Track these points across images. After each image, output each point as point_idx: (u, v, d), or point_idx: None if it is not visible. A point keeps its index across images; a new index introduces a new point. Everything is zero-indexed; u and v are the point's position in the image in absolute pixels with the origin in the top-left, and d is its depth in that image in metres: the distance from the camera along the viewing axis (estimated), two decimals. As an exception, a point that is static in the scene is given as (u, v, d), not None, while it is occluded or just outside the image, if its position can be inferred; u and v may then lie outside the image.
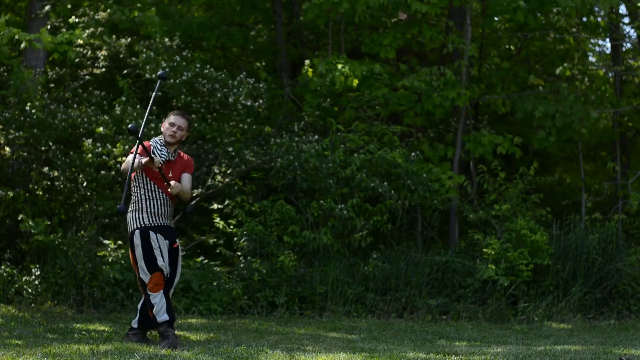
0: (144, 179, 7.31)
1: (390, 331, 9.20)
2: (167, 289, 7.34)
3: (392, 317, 10.66)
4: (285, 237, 11.16)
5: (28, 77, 10.99)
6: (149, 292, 7.19)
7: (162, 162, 7.26)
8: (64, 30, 11.13)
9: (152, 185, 7.30)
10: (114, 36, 12.50)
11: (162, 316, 7.20)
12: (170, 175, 7.33)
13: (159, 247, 7.26)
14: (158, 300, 7.19)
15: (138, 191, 7.33)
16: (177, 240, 7.50)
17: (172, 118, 7.45)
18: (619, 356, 7.16)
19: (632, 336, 9.22)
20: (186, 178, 7.45)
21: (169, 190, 7.28)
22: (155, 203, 7.30)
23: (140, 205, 7.31)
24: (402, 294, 10.92)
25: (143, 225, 7.26)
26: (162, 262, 7.22)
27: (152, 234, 7.25)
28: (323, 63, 12.30)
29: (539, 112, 12.73)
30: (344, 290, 10.80)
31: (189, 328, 8.83)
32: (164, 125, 7.44)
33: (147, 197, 7.31)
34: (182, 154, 7.54)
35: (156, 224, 7.29)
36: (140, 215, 7.29)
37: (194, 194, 11.67)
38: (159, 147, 7.36)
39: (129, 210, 7.34)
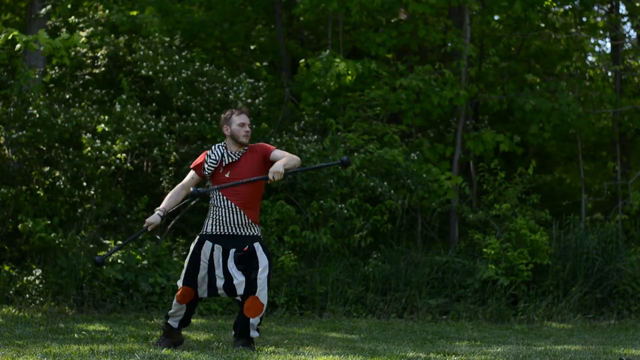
0: (216, 195, 7.05)
1: (390, 331, 9.20)
2: (247, 294, 6.94)
3: (392, 317, 10.66)
4: (285, 237, 11.16)
5: (31, 76, 11.00)
6: (175, 298, 7.06)
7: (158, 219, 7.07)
8: (63, 30, 11.14)
9: (218, 195, 7.01)
10: (112, 35, 12.51)
11: (173, 322, 7.11)
12: (227, 176, 7.00)
13: (209, 261, 6.98)
14: (177, 309, 7.05)
15: (210, 202, 7.12)
16: (255, 244, 6.96)
17: (239, 118, 7.07)
18: (619, 356, 7.16)
19: (632, 336, 9.22)
20: (277, 154, 6.96)
21: (273, 177, 6.80)
22: (221, 212, 7.00)
23: (209, 214, 7.11)
24: (402, 294, 10.92)
25: (203, 233, 7.07)
26: (201, 282, 6.99)
27: (207, 242, 7.01)
28: (317, 62, 12.33)
29: (530, 105, 12.75)
30: (344, 290, 10.80)
31: (189, 328, 8.83)
32: (229, 129, 7.08)
33: (214, 206, 7.06)
34: (253, 146, 7.16)
35: (217, 233, 7.01)
36: (206, 223, 7.10)
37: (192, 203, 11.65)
38: (216, 152, 7.10)
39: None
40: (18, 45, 9.74)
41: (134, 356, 6.31)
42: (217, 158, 7.06)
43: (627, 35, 14.80)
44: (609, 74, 14.55)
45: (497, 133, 13.02)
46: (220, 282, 6.97)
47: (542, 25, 13.89)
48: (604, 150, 15.98)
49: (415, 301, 10.87)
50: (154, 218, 7.12)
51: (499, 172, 12.16)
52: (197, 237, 7.12)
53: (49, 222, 10.38)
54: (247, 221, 7.00)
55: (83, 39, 12.34)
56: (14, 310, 9.49)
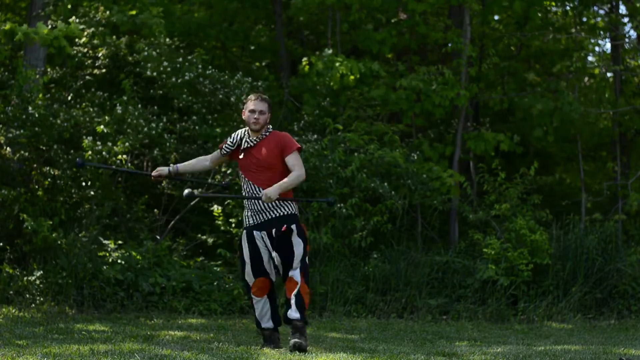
0: (240, 174, 7.24)
1: (390, 331, 9.20)
2: (285, 276, 7.13)
3: (392, 317, 10.66)
4: (286, 237, 11.15)
5: (31, 76, 11.00)
6: (253, 296, 7.18)
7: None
8: (63, 43, 11.14)
9: (245, 180, 7.17)
10: (114, 37, 12.51)
11: (267, 323, 7.21)
12: (241, 157, 7.15)
13: (265, 247, 7.15)
14: (261, 305, 7.17)
15: (243, 189, 7.25)
16: (293, 225, 7.11)
17: (252, 104, 7.16)
18: (619, 356, 7.16)
19: (632, 336, 9.22)
20: (290, 161, 7.08)
21: (263, 198, 6.98)
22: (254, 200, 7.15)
23: (244, 204, 7.24)
24: (402, 294, 10.92)
25: (247, 225, 7.20)
26: (269, 267, 7.15)
27: (256, 233, 7.14)
28: (320, 61, 12.33)
29: (537, 109, 12.75)
30: (344, 290, 10.80)
31: (189, 328, 8.83)
32: (244, 114, 7.23)
33: (244, 193, 7.20)
34: (274, 133, 7.25)
35: (258, 222, 7.14)
36: (245, 214, 7.22)
37: (197, 193, 11.67)
38: (235, 136, 7.24)
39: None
40: (18, 36, 9.73)
41: (134, 356, 6.30)
42: (235, 142, 7.22)
43: (627, 35, 14.79)
44: (609, 74, 14.56)
45: (498, 133, 13.02)
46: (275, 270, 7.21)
47: (541, 23, 13.89)
48: (604, 151, 15.97)
49: (415, 301, 10.87)
50: (163, 169, 7.38)
51: (500, 173, 12.15)
52: (244, 231, 7.22)
53: (50, 222, 10.38)
54: (276, 202, 7.09)
55: (84, 39, 12.34)
56: (14, 310, 9.49)
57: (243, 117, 7.26)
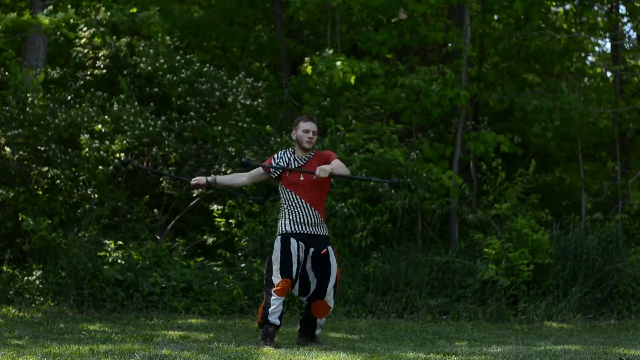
0: (283, 189, 7.47)
1: (390, 331, 9.20)
2: (315, 297, 7.49)
3: (392, 317, 10.66)
4: (286, 237, 11.14)
5: (27, 76, 10.99)
6: (273, 294, 7.31)
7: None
8: (64, 31, 11.14)
9: (291, 194, 7.41)
10: (114, 37, 12.50)
11: (275, 320, 7.34)
12: (301, 179, 7.41)
13: (297, 256, 7.35)
14: (277, 304, 7.31)
15: (282, 201, 7.50)
16: (329, 247, 7.49)
17: (305, 125, 7.51)
18: (619, 356, 7.16)
19: (632, 336, 9.22)
20: (335, 164, 7.43)
21: (316, 175, 7.27)
22: (297, 211, 7.40)
23: (283, 213, 7.46)
24: (402, 294, 10.92)
25: (284, 232, 7.39)
26: (295, 272, 7.33)
27: (292, 240, 7.36)
28: (323, 62, 12.32)
29: (532, 105, 12.78)
30: (344, 290, 10.80)
31: (189, 328, 8.83)
32: (295, 134, 7.53)
33: (288, 205, 7.44)
34: (319, 153, 7.60)
35: (298, 232, 7.38)
36: (283, 223, 7.43)
37: (195, 194, 11.68)
38: (282, 157, 7.53)
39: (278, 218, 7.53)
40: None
41: (134, 356, 6.30)
42: (284, 164, 7.50)
43: (627, 35, 14.80)
44: (609, 74, 14.56)
45: (498, 134, 13.01)
46: (297, 282, 7.47)
47: (542, 25, 13.90)
48: (604, 150, 15.98)
49: (415, 301, 10.87)
50: (201, 178, 7.69)
51: (500, 172, 12.15)
52: (278, 237, 7.43)
53: (49, 222, 10.38)
54: (320, 220, 7.46)
55: (85, 39, 12.33)
56: (14, 310, 9.49)
57: (293, 137, 7.56)
